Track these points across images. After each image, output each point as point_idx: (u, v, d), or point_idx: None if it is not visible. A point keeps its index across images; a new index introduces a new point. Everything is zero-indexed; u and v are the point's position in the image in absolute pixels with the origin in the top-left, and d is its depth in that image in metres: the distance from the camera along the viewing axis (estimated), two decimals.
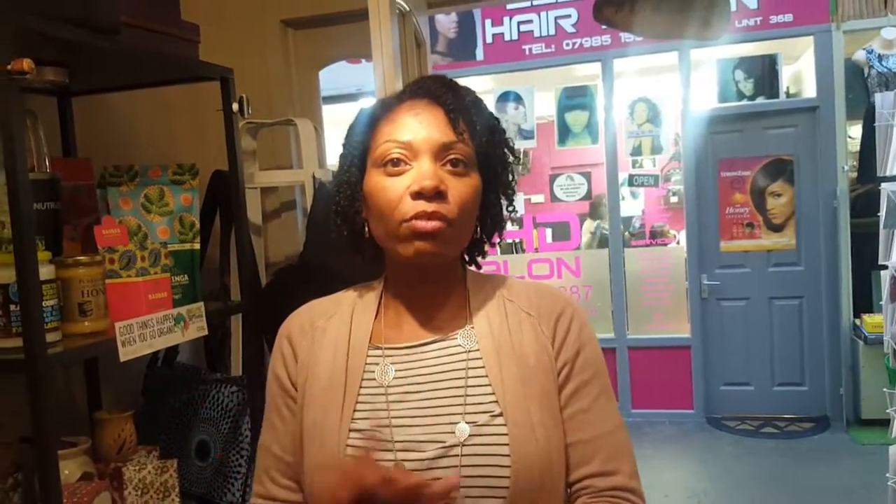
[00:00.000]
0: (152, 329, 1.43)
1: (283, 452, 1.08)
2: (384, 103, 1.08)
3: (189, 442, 1.91)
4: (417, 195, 0.98)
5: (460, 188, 1.01)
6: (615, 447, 1.03)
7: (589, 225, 6.14)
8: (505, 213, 1.13)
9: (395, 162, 1.00)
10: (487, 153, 1.06)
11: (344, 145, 1.10)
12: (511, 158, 1.11)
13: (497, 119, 1.10)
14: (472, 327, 1.06)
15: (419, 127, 1.01)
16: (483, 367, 1.02)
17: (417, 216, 0.98)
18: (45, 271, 1.23)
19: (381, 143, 1.02)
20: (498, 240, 1.15)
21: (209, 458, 1.88)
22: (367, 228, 1.07)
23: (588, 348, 1.06)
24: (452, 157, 1.01)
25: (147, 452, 1.68)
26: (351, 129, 1.10)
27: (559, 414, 1.02)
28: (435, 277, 1.07)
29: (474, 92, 1.09)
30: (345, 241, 1.10)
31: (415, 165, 1.00)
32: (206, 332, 1.60)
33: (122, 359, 1.33)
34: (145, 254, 1.48)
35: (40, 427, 1.15)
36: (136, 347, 1.37)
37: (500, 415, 0.97)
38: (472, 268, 1.16)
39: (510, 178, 1.11)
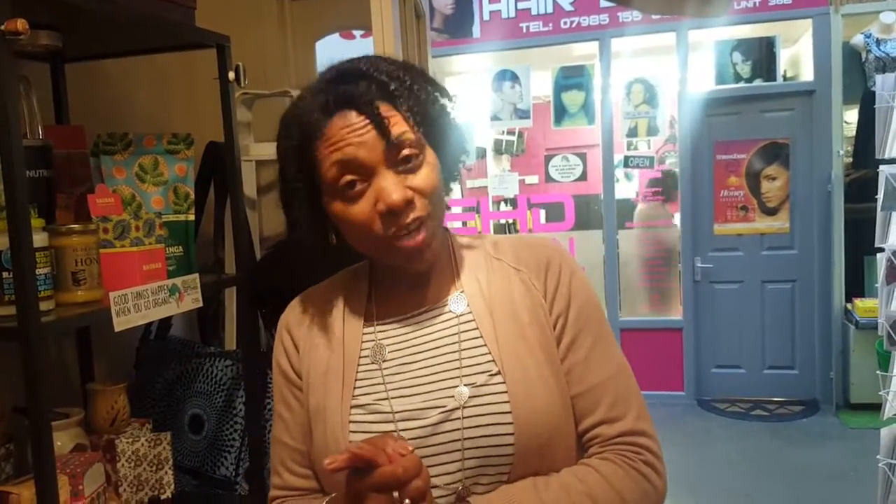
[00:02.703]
0: (147, 300, 1.40)
1: (295, 442, 1.08)
2: (311, 121, 0.99)
3: (182, 415, 1.90)
4: (388, 215, 0.95)
5: (422, 178, 0.98)
6: (618, 392, 1.02)
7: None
8: (460, 159, 1.09)
9: (351, 185, 0.96)
10: (428, 123, 1.00)
11: (281, 169, 1.04)
12: (448, 104, 1.05)
13: (421, 74, 1.04)
14: (462, 291, 1.06)
15: (358, 142, 0.95)
16: (476, 328, 1.02)
17: (397, 235, 0.97)
18: (39, 239, 1.20)
19: (327, 168, 0.97)
20: (457, 182, 1.12)
21: (203, 431, 1.87)
22: (332, 237, 1.06)
23: (580, 296, 1.06)
24: (404, 156, 0.97)
25: (140, 425, 1.67)
26: (284, 151, 1.03)
27: (560, 366, 1.02)
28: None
29: (391, 61, 1.03)
30: (312, 245, 1.06)
31: (372, 182, 0.96)
32: (200, 304, 1.58)
33: (117, 329, 1.31)
34: (139, 223, 1.46)
35: (34, 397, 1.13)
36: (130, 318, 1.35)
37: (498, 373, 0.98)
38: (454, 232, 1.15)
39: (452, 122, 1.05)
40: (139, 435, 1.60)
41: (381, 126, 0.96)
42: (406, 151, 0.97)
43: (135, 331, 1.86)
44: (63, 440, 1.46)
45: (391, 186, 0.95)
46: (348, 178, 0.96)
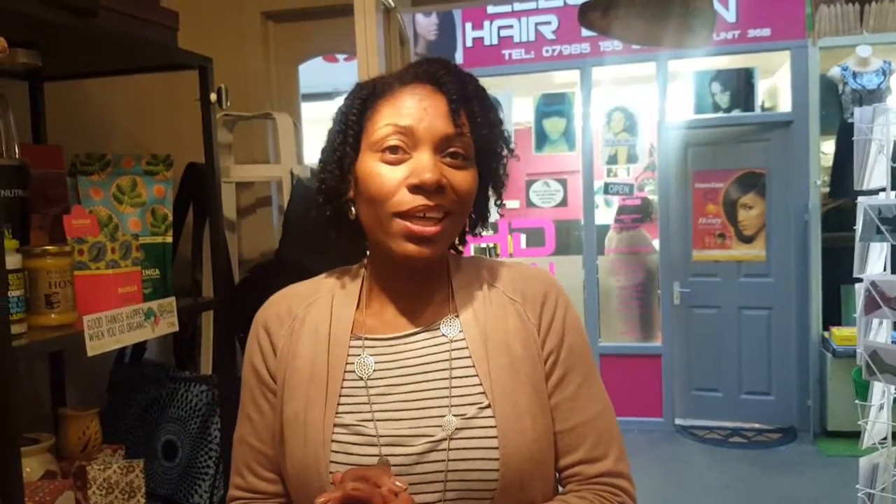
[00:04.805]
0: (121, 323, 1.38)
1: (263, 445, 1.06)
2: (384, 83, 1.03)
3: (155, 441, 1.86)
4: (416, 189, 0.95)
5: (459, 180, 0.99)
6: (601, 432, 1.02)
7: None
8: (492, 206, 1.11)
9: (394, 149, 0.97)
10: (485, 147, 1.03)
11: (336, 120, 1.05)
12: (505, 152, 1.08)
13: (497, 108, 1.07)
14: (457, 317, 1.04)
15: (422, 114, 0.97)
16: (469, 357, 1.00)
17: (415, 211, 0.95)
18: (12, 260, 1.18)
19: (380, 127, 0.98)
20: (481, 231, 1.13)
21: (176, 458, 1.83)
22: (352, 209, 1.04)
23: (572, 334, 1.05)
24: (453, 150, 0.98)
25: (112, 451, 1.63)
26: (346, 105, 1.04)
27: (547, 402, 1.01)
28: (421, 268, 1.04)
29: (476, 79, 1.05)
30: (325, 221, 1.06)
31: (414, 156, 0.97)
32: (176, 329, 1.56)
33: (90, 353, 1.28)
34: (116, 245, 1.43)
35: (4, 422, 1.09)
36: (104, 342, 1.32)
37: (489, 406, 0.96)
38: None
39: (502, 171, 1.08)
40: (111, 462, 1.56)
41: (454, 109, 0.98)
42: (457, 147, 0.98)
43: (108, 354, 1.82)
44: (32, 466, 1.42)
45: (430, 164, 0.95)
46: (395, 141, 0.96)
